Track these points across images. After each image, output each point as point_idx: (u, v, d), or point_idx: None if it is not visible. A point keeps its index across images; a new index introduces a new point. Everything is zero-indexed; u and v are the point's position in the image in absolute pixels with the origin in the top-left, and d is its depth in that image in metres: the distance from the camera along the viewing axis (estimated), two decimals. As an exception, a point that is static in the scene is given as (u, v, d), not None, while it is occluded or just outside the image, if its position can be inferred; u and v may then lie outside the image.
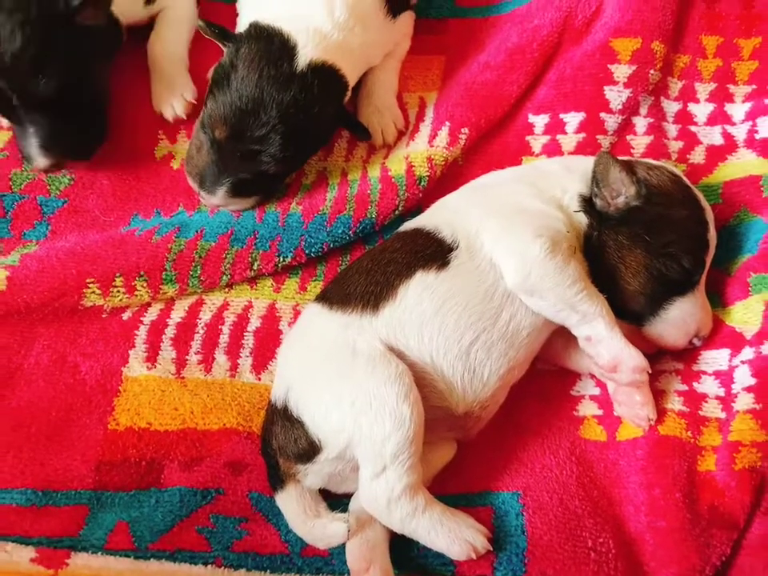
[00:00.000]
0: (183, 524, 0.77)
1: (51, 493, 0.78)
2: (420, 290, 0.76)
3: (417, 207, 0.93)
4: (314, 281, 0.92)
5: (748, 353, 0.82)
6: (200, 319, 0.88)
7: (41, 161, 0.87)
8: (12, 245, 0.90)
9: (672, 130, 0.98)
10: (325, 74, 0.85)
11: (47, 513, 0.77)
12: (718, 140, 0.98)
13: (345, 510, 0.75)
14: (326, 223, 0.91)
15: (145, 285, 0.86)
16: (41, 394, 0.83)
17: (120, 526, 0.77)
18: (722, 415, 0.81)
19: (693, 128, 0.98)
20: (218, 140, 0.83)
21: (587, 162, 0.85)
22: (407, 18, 0.98)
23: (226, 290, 0.91)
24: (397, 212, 0.92)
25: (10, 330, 0.84)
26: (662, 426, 0.81)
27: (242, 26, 0.87)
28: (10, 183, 0.93)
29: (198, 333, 0.87)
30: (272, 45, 0.82)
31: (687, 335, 0.84)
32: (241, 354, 0.88)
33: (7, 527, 0.75)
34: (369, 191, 0.93)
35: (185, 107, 0.95)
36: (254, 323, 0.89)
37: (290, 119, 0.82)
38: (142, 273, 0.86)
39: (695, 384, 0.84)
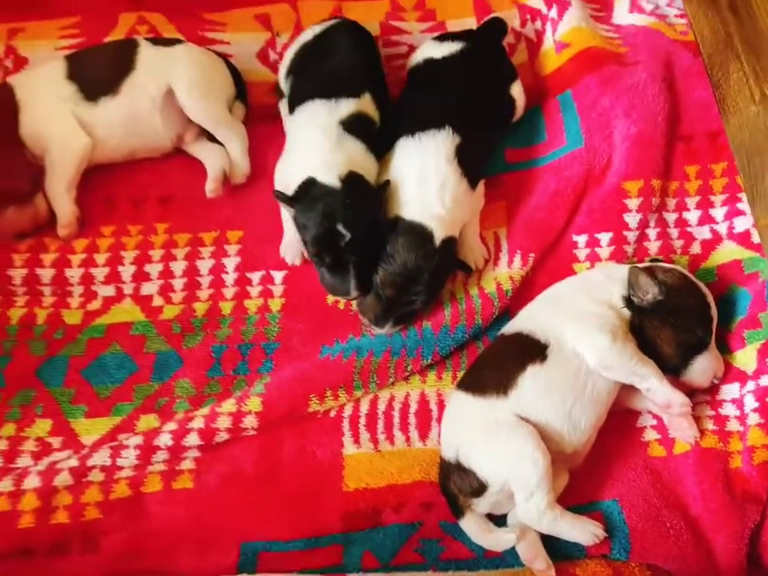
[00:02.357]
0: (404, 547, 1.07)
1: (318, 538, 1.08)
2: (532, 378, 1.08)
3: (506, 310, 1.27)
4: (446, 371, 1.25)
5: (751, 385, 1.12)
6: (378, 409, 1.21)
7: (355, 293, 1.20)
8: (252, 378, 1.23)
9: (674, 233, 1.32)
10: (449, 243, 1.22)
11: (319, 552, 1.06)
12: (708, 236, 1.32)
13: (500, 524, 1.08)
14: (449, 332, 1.25)
15: (344, 393, 1.20)
16: (296, 474, 1.13)
17: (366, 554, 1.06)
18: (741, 429, 1.10)
19: (688, 229, 1.32)
20: (387, 295, 1.20)
21: (623, 270, 1.16)
22: (481, 186, 1.33)
23: (391, 387, 1.23)
24: (494, 316, 1.26)
25: (268, 436, 1.16)
26: (703, 441, 1.10)
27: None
28: (242, 336, 1.27)
29: (379, 419, 1.20)
30: (417, 234, 1.19)
31: (708, 378, 1.13)
32: (409, 429, 1.19)
33: (296, 564, 1.05)
34: (473, 305, 1.27)
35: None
36: (413, 407, 1.21)
37: (435, 277, 1.21)
38: (341, 385, 1.20)
39: (720, 409, 1.14)
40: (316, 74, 1.34)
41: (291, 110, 1.35)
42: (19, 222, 1.31)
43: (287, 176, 1.27)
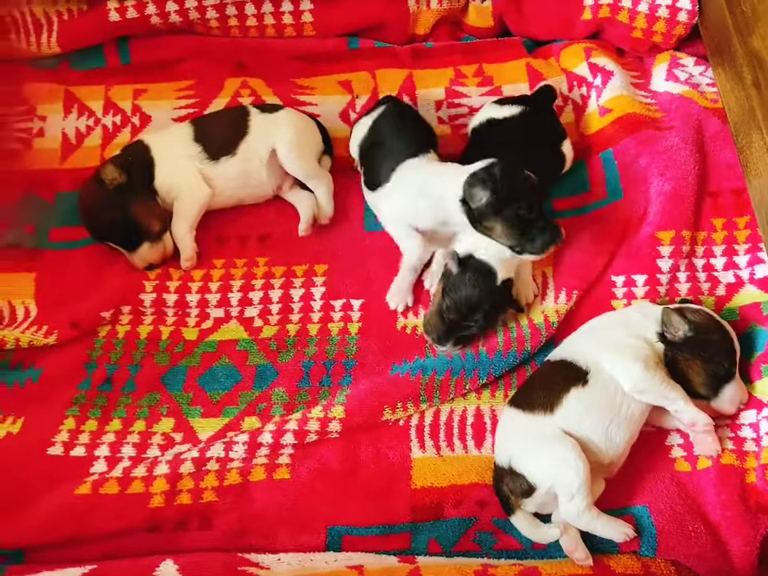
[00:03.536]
0: (463, 538, 1.21)
1: (391, 526, 1.23)
2: (575, 399, 1.21)
3: (552, 339, 1.41)
4: (498, 390, 1.39)
5: (766, 411, 1.25)
6: (440, 420, 1.35)
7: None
8: (334, 390, 1.39)
9: (702, 276, 1.46)
10: (508, 283, 1.38)
11: (392, 537, 1.22)
12: (732, 280, 1.43)
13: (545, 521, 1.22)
14: (502, 356, 1.38)
15: (411, 405, 1.35)
16: (372, 472, 1.29)
17: (431, 542, 1.21)
18: (756, 449, 1.24)
19: (714, 273, 1.45)
20: (450, 318, 1.36)
21: (657, 309, 1.28)
22: (532, 229, 1.51)
23: (451, 401, 1.37)
24: (541, 344, 1.40)
25: (349, 439, 1.32)
26: (722, 458, 1.23)
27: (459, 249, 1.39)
28: (326, 354, 1.44)
29: (441, 428, 1.34)
30: (483, 273, 1.34)
31: (735, 405, 1.26)
32: (467, 439, 1.32)
33: (373, 546, 1.21)
34: (524, 334, 1.41)
35: None
36: (469, 420, 1.35)
37: (492, 310, 1.36)
38: (409, 398, 1.35)
39: (738, 432, 1.26)
40: (391, 146, 1.50)
41: (373, 187, 1.52)
42: (151, 255, 1.54)
43: (406, 209, 1.43)
